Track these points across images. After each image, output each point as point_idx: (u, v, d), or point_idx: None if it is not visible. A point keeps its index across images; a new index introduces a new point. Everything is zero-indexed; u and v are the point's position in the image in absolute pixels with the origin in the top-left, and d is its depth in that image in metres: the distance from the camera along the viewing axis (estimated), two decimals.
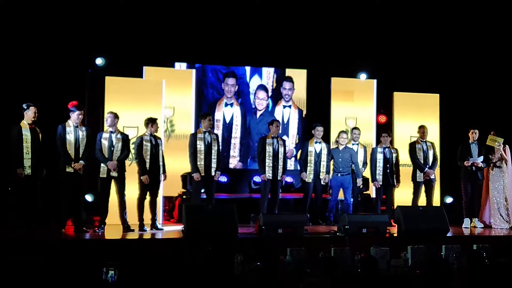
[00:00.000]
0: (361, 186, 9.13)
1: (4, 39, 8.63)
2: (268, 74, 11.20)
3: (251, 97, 11.08)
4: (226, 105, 10.91)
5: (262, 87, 11.09)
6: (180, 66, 10.47)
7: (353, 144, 9.17)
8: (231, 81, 10.92)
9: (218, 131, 10.62)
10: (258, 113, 11.15)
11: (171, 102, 9.43)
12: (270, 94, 11.13)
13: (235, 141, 10.97)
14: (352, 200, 9.04)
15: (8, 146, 7.29)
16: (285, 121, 11.22)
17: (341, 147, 9.03)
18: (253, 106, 11.06)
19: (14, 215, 7.31)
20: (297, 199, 9.69)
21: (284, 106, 11.33)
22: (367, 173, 9.23)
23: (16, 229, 7.09)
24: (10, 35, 8.68)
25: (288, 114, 11.21)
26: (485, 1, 9.90)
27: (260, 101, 11.09)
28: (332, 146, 9.34)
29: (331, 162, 9.00)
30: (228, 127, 10.94)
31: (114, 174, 7.56)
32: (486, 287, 4.64)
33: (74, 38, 9.08)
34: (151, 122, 7.88)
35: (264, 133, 9.62)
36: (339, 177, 8.94)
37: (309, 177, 8.83)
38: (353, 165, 8.99)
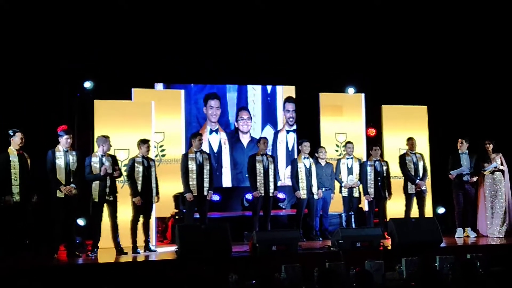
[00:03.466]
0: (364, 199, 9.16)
1: None
2: (253, 91, 10.98)
3: (233, 119, 10.86)
4: (211, 132, 10.74)
5: (244, 107, 10.97)
6: (158, 86, 10.37)
7: (347, 158, 9.19)
8: (214, 103, 10.73)
9: None
10: (245, 141, 10.91)
11: (161, 127, 9.32)
12: (256, 115, 10.90)
13: (226, 172, 10.76)
14: (345, 214, 9.08)
15: None
16: (290, 148, 11.06)
17: (323, 163, 9.09)
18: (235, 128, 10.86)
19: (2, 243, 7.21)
20: (290, 216, 9.71)
21: (288, 131, 11.19)
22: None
23: (6, 256, 7.01)
24: None
25: (293, 140, 11.03)
26: (470, 12, 10.01)
27: (245, 122, 10.96)
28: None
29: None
30: (216, 158, 10.71)
31: (107, 197, 7.54)
32: None
33: (62, 62, 9.09)
34: (142, 143, 7.89)
35: None
36: (323, 192, 8.99)
37: (302, 193, 8.85)
38: (336, 180, 9.12)
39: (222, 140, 10.88)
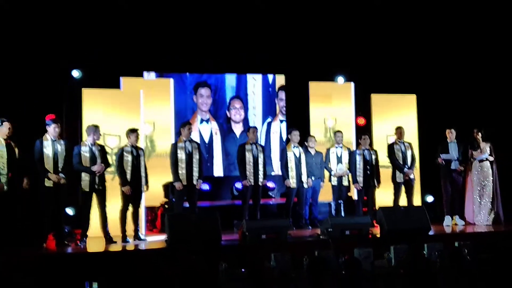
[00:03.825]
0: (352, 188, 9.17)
1: None
2: (254, 82, 10.76)
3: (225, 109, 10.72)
4: (202, 121, 10.61)
5: (237, 96, 10.87)
6: (149, 75, 10.27)
7: (336, 147, 9.21)
8: (204, 91, 10.58)
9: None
10: (238, 131, 10.76)
11: (150, 116, 9.27)
12: (256, 106, 10.73)
13: (217, 161, 10.61)
14: (335, 203, 9.10)
15: None
16: (284, 138, 10.91)
17: (312, 151, 9.10)
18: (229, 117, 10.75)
19: None
20: (280, 205, 9.73)
21: (282, 121, 11.12)
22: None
23: None
24: None
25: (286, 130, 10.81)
26: (457, 3, 10.03)
27: (238, 111, 10.89)
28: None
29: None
30: (208, 148, 10.63)
31: (96, 187, 7.52)
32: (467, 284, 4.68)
33: (50, 51, 9.02)
34: (131, 132, 7.88)
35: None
36: (313, 181, 9.00)
37: (292, 182, 8.86)
38: (325, 169, 9.14)
39: (214, 130, 10.82)
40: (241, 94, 11.04)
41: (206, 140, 10.61)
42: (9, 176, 7.11)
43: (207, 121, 10.68)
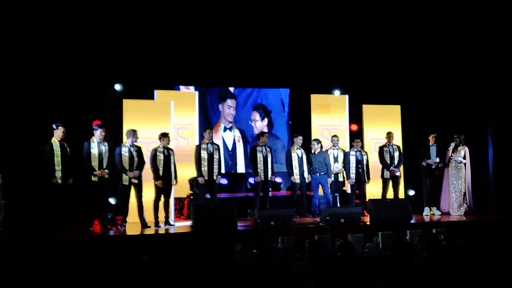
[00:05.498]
0: (330, 184, 8.98)
1: (39, 71, 8.62)
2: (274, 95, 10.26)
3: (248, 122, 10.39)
4: (225, 129, 10.40)
5: (257, 107, 10.53)
6: (189, 88, 10.09)
7: (333, 149, 9.17)
8: (231, 102, 10.35)
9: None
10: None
11: (179, 122, 9.14)
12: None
13: (240, 161, 10.27)
14: (331, 195, 9.07)
15: (41, 160, 7.25)
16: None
17: (317, 151, 9.03)
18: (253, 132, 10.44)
19: (48, 218, 7.25)
20: (286, 197, 9.73)
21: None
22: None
23: (50, 229, 7.06)
24: (44, 68, 8.67)
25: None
26: (437, 24, 9.99)
27: (256, 122, 10.48)
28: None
29: (310, 165, 8.97)
30: (232, 155, 10.38)
31: (134, 181, 7.57)
32: (443, 265, 4.67)
33: (97, 68, 9.07)
34: (163, 136, 7.92)
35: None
36: (317, 176, 8.94)
37: (296, 178, 8.85)
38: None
39: (236, 138, 10.62)
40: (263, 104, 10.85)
41: (230, 147, 10.36)
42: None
43: (230, 129, 10.55)
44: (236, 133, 10.60)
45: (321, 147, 9.07)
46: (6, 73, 8.33)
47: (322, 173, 8.93)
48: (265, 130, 10.69)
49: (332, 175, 9.00)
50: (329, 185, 8.94)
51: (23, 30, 8.46)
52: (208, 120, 10.42)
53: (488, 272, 4.70)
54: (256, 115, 10.91)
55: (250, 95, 10.80)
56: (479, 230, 6.97)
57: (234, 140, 10.49)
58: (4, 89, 8.28)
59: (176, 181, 8.06)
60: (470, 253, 5.00)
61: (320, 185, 8.96)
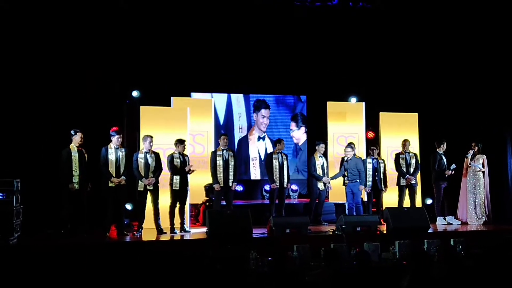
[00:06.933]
0: (363, 191, 8.77)
1: (58, 78, 8.74)
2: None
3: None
4: (259, 139, 10.34)
5: (294, 118, 10.49)
6: (206, 95, 10.16)
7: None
8: (266, 112, 10.18)
9: (255, 169, 9.74)
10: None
11: (195, 128, 9.14)
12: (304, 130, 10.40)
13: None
14: (348, 204, 8.95)
15: (59, 165, 7.32)
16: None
17: (349, 158, 8.76)
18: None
19: (65, 223, 7.30)
20: (301, 204, 9.68)
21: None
22: None
23: (68, 234, 7.12)
24: (63, 75, 8.79)
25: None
26: (454, 31, 9.91)
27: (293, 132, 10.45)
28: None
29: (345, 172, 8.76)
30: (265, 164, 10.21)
31: (149, 187, 7.61)
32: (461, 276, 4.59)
33: (115, 76, 9.18)
34: (179, 142, 7.94)
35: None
36: (350, 184, 8.70)
37: (321, 185, 8.79)
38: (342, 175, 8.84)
39: (269, 148, 10.52)
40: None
41: (263, 156, 10.20)
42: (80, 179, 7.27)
43: (263, 138, 10.43)
44: (268, 142, 10.53)
45: (354, 154, 8.77)
46: (25, 80, 8.45)
47: (354, 180, 8.64)
48: (304, 138, 10.66)
49: (369, 183, 8.73)
50: (362, 193, 8.67)
51: (44, 38, 8.59)
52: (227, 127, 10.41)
53: (507, 284, 4.61)
54: (293, 125, 10.89)
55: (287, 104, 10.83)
56: (498, 240, 6.84)
57: (265, 150, 10.45)
58: (23, 95, 8.40)
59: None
60: (489, 264, 4.90)
61: (352, 193, 8.66)
